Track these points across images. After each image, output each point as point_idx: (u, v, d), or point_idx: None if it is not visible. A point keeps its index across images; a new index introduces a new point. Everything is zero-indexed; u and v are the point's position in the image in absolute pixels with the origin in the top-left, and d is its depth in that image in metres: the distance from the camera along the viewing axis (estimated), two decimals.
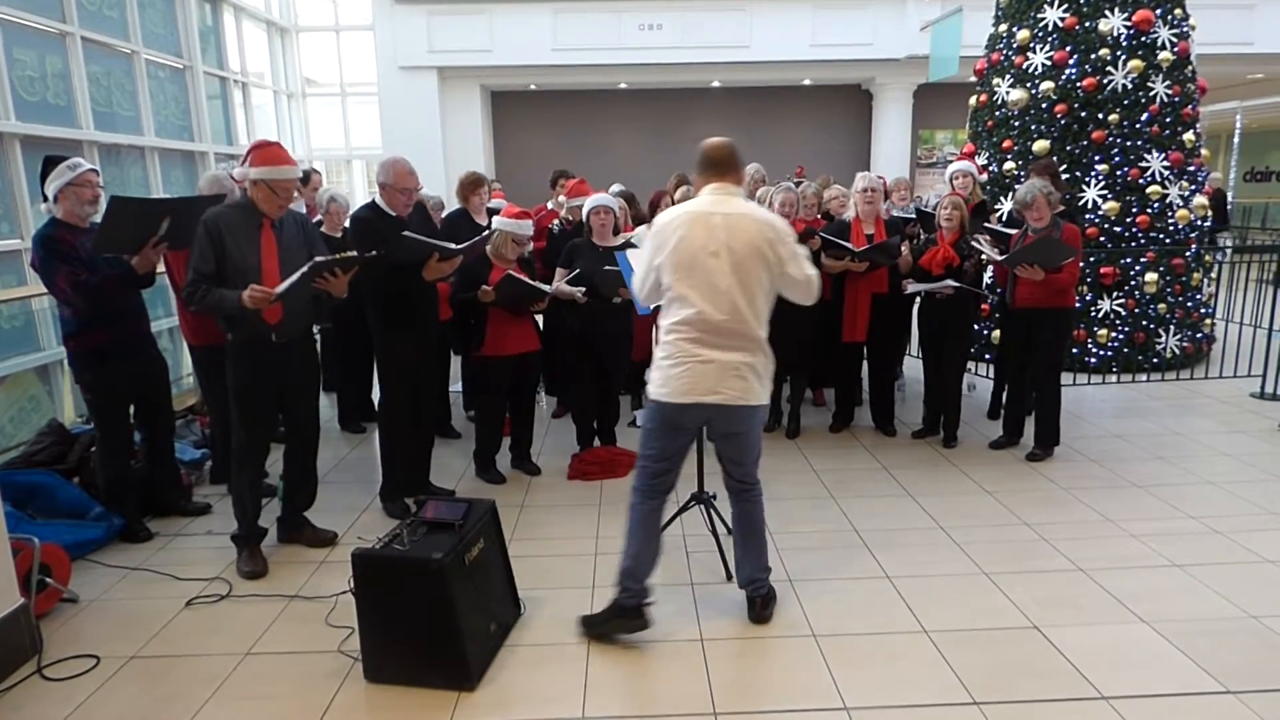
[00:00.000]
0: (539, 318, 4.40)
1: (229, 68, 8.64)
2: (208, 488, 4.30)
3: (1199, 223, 6.47)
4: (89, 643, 2.84)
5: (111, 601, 3.16)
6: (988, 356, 6.20)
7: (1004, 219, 5.80)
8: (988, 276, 4.68)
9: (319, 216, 5.34)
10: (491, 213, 4.90)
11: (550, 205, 6.01)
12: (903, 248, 4.65)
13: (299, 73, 11.35)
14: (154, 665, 2.73)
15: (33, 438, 4.09)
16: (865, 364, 5.11)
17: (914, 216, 5.76)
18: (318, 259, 3.15)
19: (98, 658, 2.75)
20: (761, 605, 2.90)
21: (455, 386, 5.51)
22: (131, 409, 3.73)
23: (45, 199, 3.47)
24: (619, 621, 2.80)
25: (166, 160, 6.89)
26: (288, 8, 11.04)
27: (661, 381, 2.66)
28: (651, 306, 2.86)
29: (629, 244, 4.65)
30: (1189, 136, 6.34)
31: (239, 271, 3.14)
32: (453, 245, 3.65)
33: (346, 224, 4.72)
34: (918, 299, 4.83)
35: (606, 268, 4.18)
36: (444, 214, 5.30)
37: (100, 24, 6.14)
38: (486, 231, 4.11)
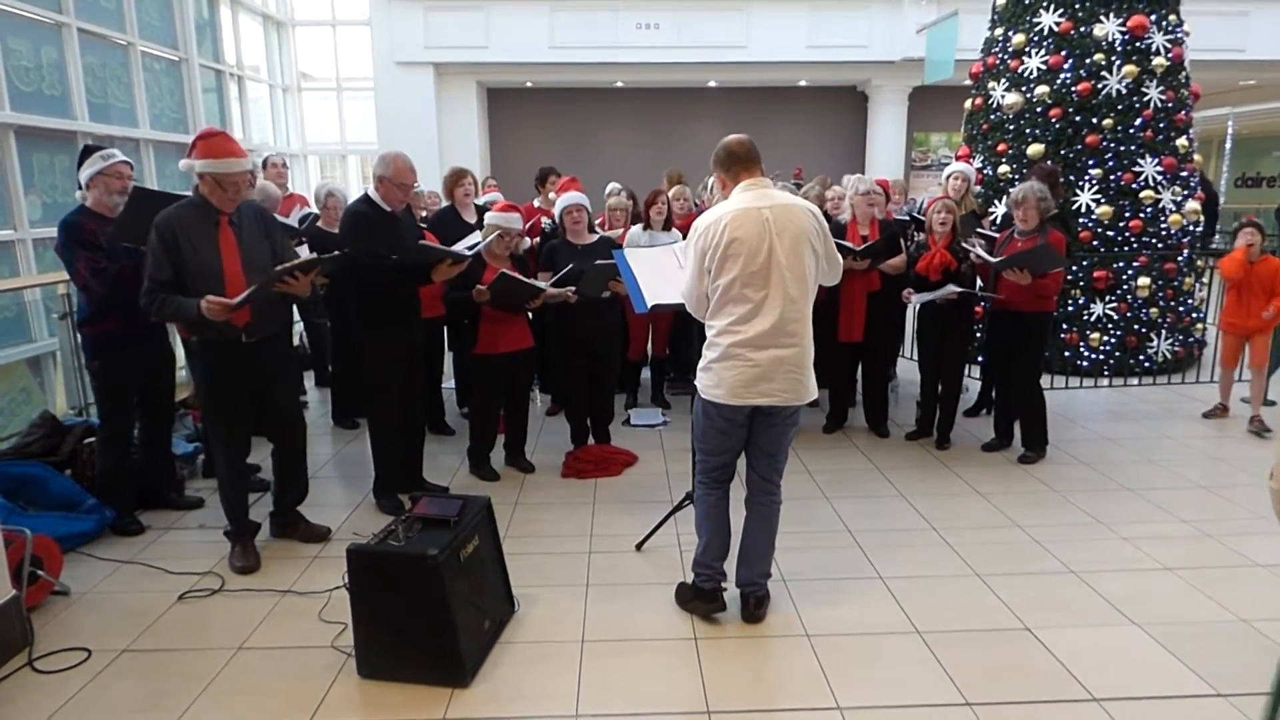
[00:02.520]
0: (531, 315, 4.39)
1: (225, 61, 8.60)
2: (200, 481, 4.29)
3: (1191, 228, 6.52)
4: (80, 636, 2.83)
5: (103, 594, 3.15)
6: (979, 359, 6.22)
7: (997, 222, 5.83)
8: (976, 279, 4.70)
9: (314, 210, 5.32)
10: (481, 210, 4.91)
11: (538, 203, 6.01)
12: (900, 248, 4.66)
13: (295, 67, 11.31)
14: (146, 659, 2.72)
15: (25, 429, 4.07)
16: (859, 365, 5.13)
17: (908, 219, 5.78)
18: (277, 267, 3.05)
19: (89, 651, 2.74)
20: (755, 605, 2.90)
21: (448, 383, 5.50)
22: (135, 400, 3.71)
23: (79, 186, 3.50)
24: (699, 603, 2.91)
25: (161, 153, 6.86)
26: (284, 2, 10.99)
27: (716, 383, 2.64)
28: (700, 316, 2.77)
29: (606, 240, 4.65)
30: (1182, 142, 6.38)
31: (199, 274, 3.04)
32: (465, 251, 3.66)
33: None
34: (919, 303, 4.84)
35: (597, 262, 4.18)
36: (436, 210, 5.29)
37: (96, 15, 6.11)
38: (484, 234, 4.10)
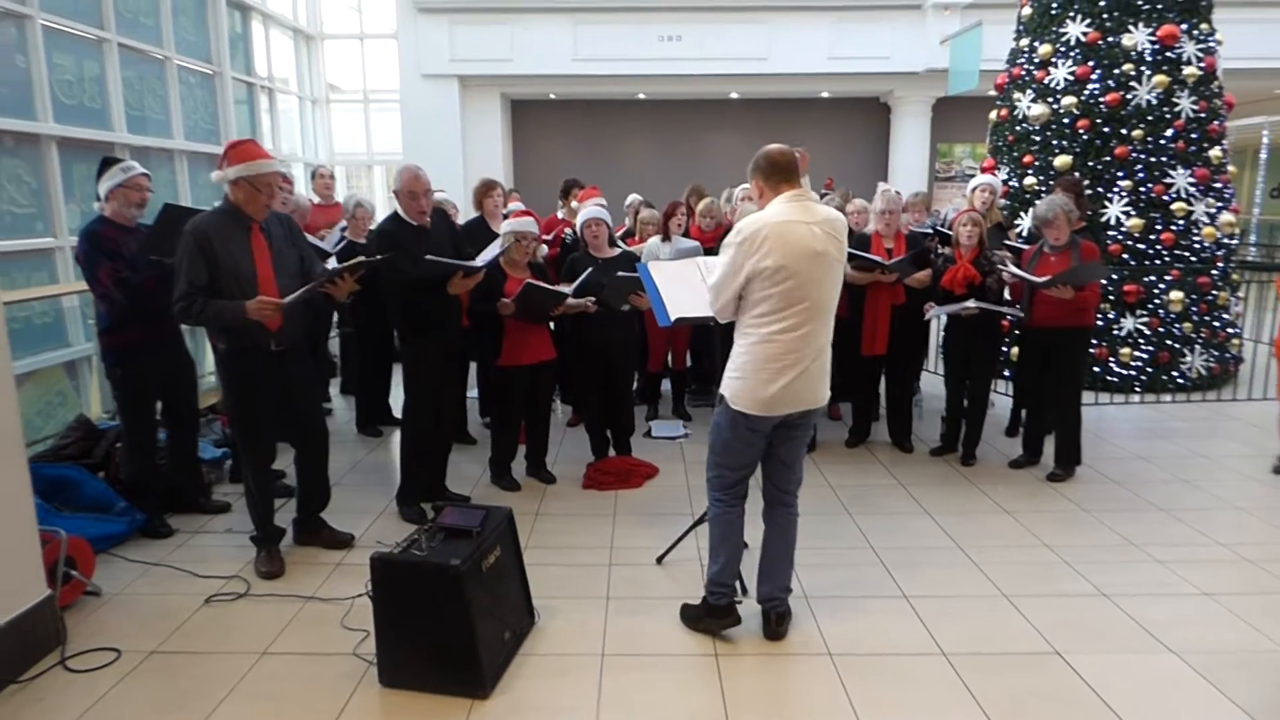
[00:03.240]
0: (552, 325, 4.41)
1: (256, 73, 8.76)
2: (227, 486, 4.34)
3: (1226, 240, 6.40)
4: (111, 636, 2.88)
5: (133, 596, 3.20)
6: (1007, 374, 6.15)
7: (1023, 235, 5.77)
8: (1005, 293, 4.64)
9: (343, 221, 5.39)
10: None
11: (561, 214, 6.06)
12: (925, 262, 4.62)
13: (323, 79, 11.48)
14: (173, 661, 2.75)
15: (61, 431, 4.16)
16: (883, 379, 5.09)
17: (930, 231, 5.73)
18: (331, 267, 3.17)
19: (119, 651, 2.78)
20: (776, 622, 2.87)
21: (472, 393, 5.53)
22: (159, 407, 3.79)
23: (98, 197, 3.57)
24: (710, 621, 2.87)
25: (194, 163, 6.99)
26: (314, 16, 11.18)
27: (750, 393, 2.62)
28: (723, 320, 2.77)
29: (628, 254, 4.66)
30: (1215, 152, 6.28)
31: (234, 280, 3.10)
32: (475, 264, 3.69)
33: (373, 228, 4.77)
34: (941, 316, 4.80)
35: (619, 274, 4.19)
36: (462, 221, 5.34)
37: (136, 30, 6.25)
38: (498, 246, 4.13)
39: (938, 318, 4.56)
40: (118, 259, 3.46)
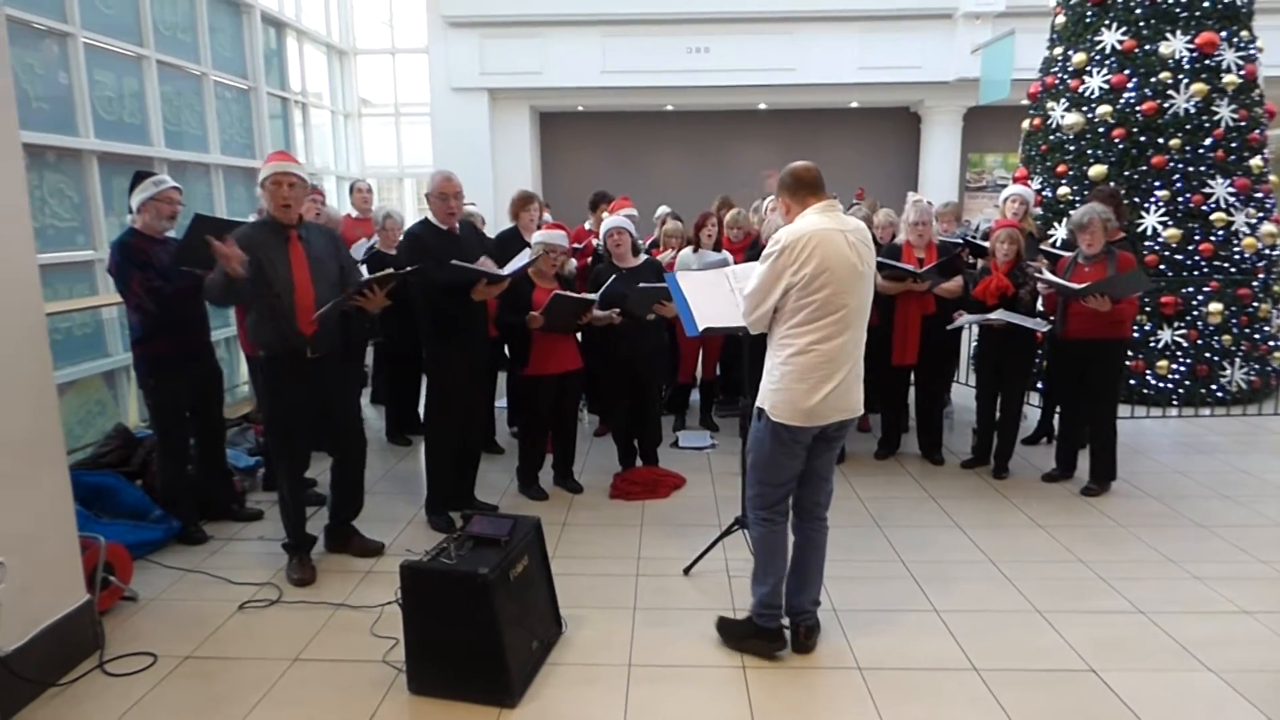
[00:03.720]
0: (580, 336, 4.43)
1: (290, 88, 8.95)
2: (260, 494, 4.41)
3: (1267, 251, 6.25)
4: (147, 640, 2.93)
5: (168, 602, 3.25)
6: (1039, 386, 6.05)
7: (1057, 245, 5.68)
8: (1038, 305, 4.57)
9: (375, 235, 5.47)
10: None
11: (589, 225, 6.10)
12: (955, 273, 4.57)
13: (356, 93, 11.70)
14: (207, 666, 2.80)
15: (100, 440, 4.25)
16: (912, 390, 5.03)
17: (960, 241, 5.67)
18: (362, 279, 3.22)
19: (155, 655, 2.83)
20: (805, 635, 2.85)
21: (500, 402, 5.57)
22: (189, 415, 3.85)
23: (130, 210, 3.66)
24: (758, 642, 2.84)
25: (230, 177, 7.15)
26: (347, 31, 11.40)
27: (792, 404, 2.60)
28: (756, 331, 2.76)
29: (652, 262, 4.66)
30: (1256, 162, 6.15)
31: (272, 283, 3.21)
32: (499, 271, 3.71)
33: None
34: (973, 326, 4.74)
35: (642, 284, 4.20)
36: (494, 232, 5.39)
37: (174, 47, 6.42)
38: (527, 256, 4.16)
39: (967, 326, 4.50)
40: (149, 269, 3.54)
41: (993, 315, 4.30)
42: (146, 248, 3.59)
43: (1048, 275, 4.28)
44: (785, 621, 2.87)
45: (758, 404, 2.72)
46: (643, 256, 4.69)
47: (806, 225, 2.58)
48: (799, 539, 2.87)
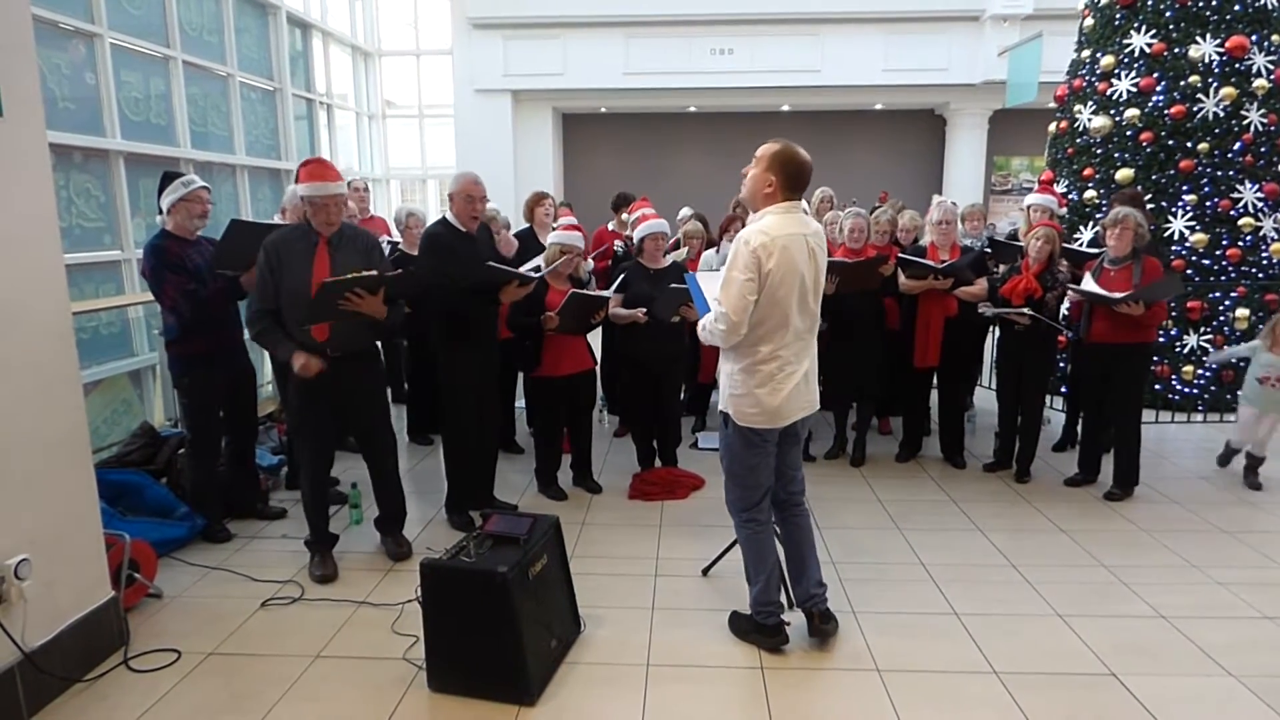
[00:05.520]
0: (596, 333, 4.44)
1: (315, 90, 9.05)
2: (284, 492, 4.46)
3: None
4: (171, 637, 2.98)
5: (193, 599, 3.30)
6: (1063, 390, 5.98)
7: (1083, 246, 5.61)
8: (1064, 309, 4.53)
9: (395, 237, 5.52)
10: None
11: (612, 226, 6.12)
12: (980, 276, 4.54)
13: (380, 95, 11.81)
14: (230, 662, 2.84)
15: (126, 438, 4.32)
16: (934, 393, 5.00)
17: (987, 246, 5.62)
18: (325, 280, 3.08)
19: (179, 652, 2.88)
20: (821, 620, 2.86)
21: (519, 402, 5.60)
22: (221, 415, 3.90)
23: (160, 211, 3.70)
24: (760, 638, 2.88)
25: (255, 177, 7.24)
26: (372, 33, 11.52)
27: (757, 406, 2.67)
28: (736, 336, 2.73)
29: (678, 264, 4.67)
30: None
31: (291, 290, 3.21)
32: (531, 274, 3.74)
33: None
34: (994, 328, 4.70)
35: (671, 285, 4.20)
36: (512, 232, 5.42)
37: (200, 49, 6.52)
38: (544, 257, 4.18)
39: (992, 318, 4.46)
40: (182, 271, 3.58)
41: (1021, 310, 4.25)
42: (179, 250, 3.63)
43: (1085, 285, 4.21)
44: (787, 619, 2.90)
45: (721, 409, 2.78)
46: (670, 259, 4.70)
47: (772, 227, 2.58)
48: (785, 531, 2.93)
